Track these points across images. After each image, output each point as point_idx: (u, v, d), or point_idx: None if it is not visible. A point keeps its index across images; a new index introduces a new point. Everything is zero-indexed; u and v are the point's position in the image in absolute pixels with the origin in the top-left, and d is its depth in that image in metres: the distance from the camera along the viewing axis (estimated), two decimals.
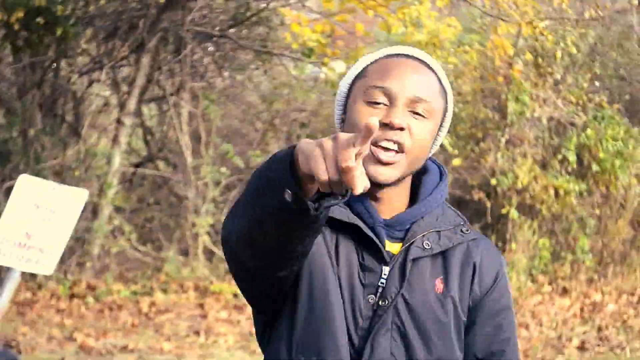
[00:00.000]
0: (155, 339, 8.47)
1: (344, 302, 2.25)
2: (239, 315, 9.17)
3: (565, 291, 10.24)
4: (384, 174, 2.24)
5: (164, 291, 9.72)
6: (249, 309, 9.59)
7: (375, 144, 2.21)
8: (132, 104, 10.46)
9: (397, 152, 2.23)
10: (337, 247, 2.28)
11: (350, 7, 10.13)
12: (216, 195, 10.60)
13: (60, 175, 10.03)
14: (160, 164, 11.99)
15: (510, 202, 10.56)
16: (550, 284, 10.38)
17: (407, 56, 2.32)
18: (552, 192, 10.57)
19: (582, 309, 9.76)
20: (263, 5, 11.18)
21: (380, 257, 2.28)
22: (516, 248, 10.45)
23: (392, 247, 2.31)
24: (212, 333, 8.67)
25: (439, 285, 2.31)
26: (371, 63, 2.33)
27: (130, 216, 10.82)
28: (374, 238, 2.26)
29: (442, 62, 9.59)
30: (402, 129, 2.22)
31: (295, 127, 11.77)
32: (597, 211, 10.94)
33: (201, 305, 9.45)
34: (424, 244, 2.31)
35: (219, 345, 8.40)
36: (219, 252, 10.62)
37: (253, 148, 11.30)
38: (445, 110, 2.36)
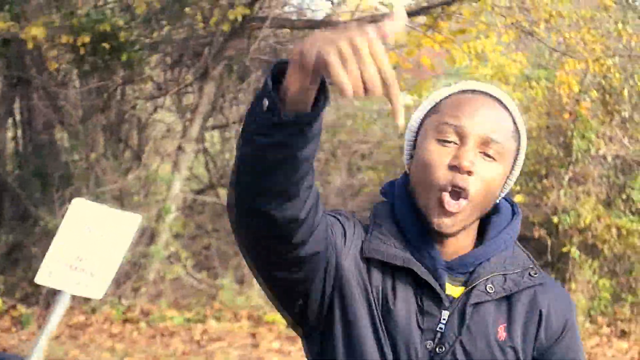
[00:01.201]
0: None
1: (398, 349, 2.14)
2: (291, 346, 9.11)
3: (624, 333, 10.04)
4: (448, 224, 2.13)
5: (217, 319, 9.70)
6: (300, 340, 9.54)
7: (442, 189, 2.12)
8: (194, 131, 10.49)
9: (464, 198, 2.11)
10: (394, 289, 2.16)
11: (417, 41, 10.09)
12: None
13: (120, 200, 10.09)
14: (221, 192, 12.01)
15: (572, 241, 10.40)
16: (609, 325, 10.18)
17: (482, 93, 2.20)
18: (614, 231, 10.38)
19: None
20: None
21: (440, 301, 2.16)
22: (576, 288, 10.27)
23: (454, 291, 2.19)
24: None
25: (502, 332, 2.18)
26: (444, 98, 2.22)
27: (187, 243, 10.83)
28: (432, 282, 2.15)
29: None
30: (470, 172, 2.10)
31: (357, 158, 11.73)
32: None
33: (253, 335, 9.41)
34: (487, 288, 2.18)
35: None
36: None
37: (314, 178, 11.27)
38: (518, 152, 2.23)
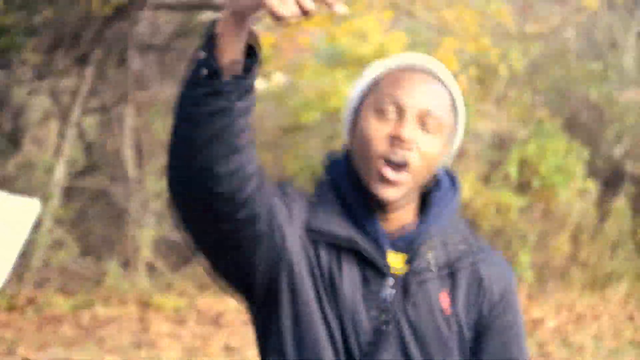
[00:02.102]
0: (97, 351, 8.36)
1: (344, 321, 2.19)
2: (182, 330, 9.09)
3: None
4: (388, 192, 2.18)
5: (105, 304, 9.60)
6: (190, 324, 9.57)
7: (382, 159, 2.18)
8: (74, 116, 10.34)
9: (404, 169, 2.18)
10: (340, 265, 2.21)
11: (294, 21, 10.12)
12: (158, 208, 10.51)
13: (1, 187, 9.87)
14: (101, 176, 11.87)
15: None
16: None
17: (419, 67, 2.25)
18: (493, 207, 10.62)
19: None
20: (210, 16, 11.13)
21: (383, 275, 2.22)
22: None
23: (397, 261, 2.24)
24: (155, 347, 8.59)
25: (445, 303, 2.25)
26: (382, 74, 2.27)
27: (70, 228, 10.68)
28: (376, 260, 2.20)
29: None
30: (410, 143, 2.17)
31: None
32: (538, 226, 11.01)
33: (142, 319, 9.35)
34: (429, 262, 2.24)
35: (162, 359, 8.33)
36: (161, 265, 10.56)
37: None
38: (457, 124, 2.30)
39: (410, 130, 2.18)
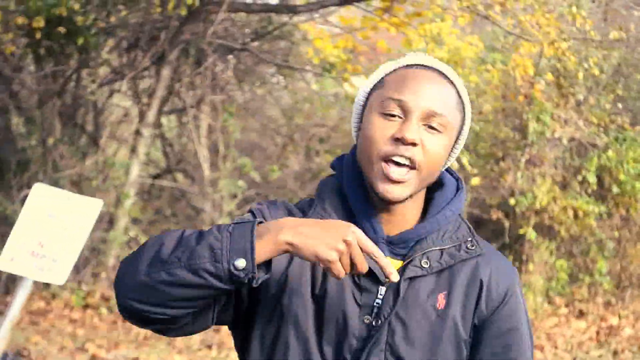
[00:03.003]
0: (167, 351, 8.43)
1: (335, 324, 2.21)
2: None
3: (581, 314, 10.16)
4: (393, 192, 2.19)
5: None
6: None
7: (386, 159, 2.18)
8: (151, 116, 10.44)
9: (408, 168, 2.18)
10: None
11: (373, 24, 10.12)
12: (233, 208, 10.57)
13: (78, 185, 10.03)
14: (179, 176, 11.99)
15: (529, 223, 10.48)
16: (567, 306, 10.29)
17: (426, 67, 2.25)
18: (571, 213, 10.48)
19: (598, 332, 9.66)
20: (285, 19, 11.18)
21: (376, 276, 2.23)
22: (533, 269, 10.37)
23: (394, 265, 2.24)
24: (224, 346, 8.62)
25: (441, 302, 2.25)
26: (389, 73, 2.27)
27: (146, 228, 10.80)
28: (368, 260, 2.18)
29: (464, 81, 9.54)
30: (414, 144, 2.16)
31: (314, 142, 11.74)
32: (617, 234, 10.85)
33: None
34: (422, 263, 2.25)
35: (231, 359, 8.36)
36: None
37: (271, 162, 11.28)
38: (463, 124, 2.30)
39: (414, 130, 2.17)
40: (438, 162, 2.24)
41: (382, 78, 2.28)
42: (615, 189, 10.60)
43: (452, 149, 2.30)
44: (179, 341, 8.73)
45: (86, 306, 9.42)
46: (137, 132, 10.46)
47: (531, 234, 10.42)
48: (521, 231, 10.49)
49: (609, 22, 11.38)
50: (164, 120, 11.79)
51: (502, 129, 10.95)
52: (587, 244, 10.80)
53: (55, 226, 5.94)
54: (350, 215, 2.27)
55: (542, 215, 10.51)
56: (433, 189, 2.34)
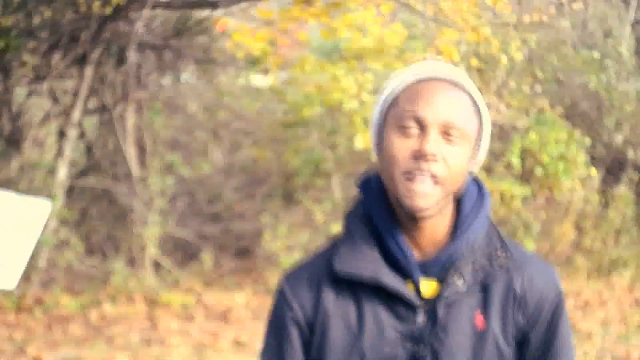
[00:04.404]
0: (107, 350, 8.34)
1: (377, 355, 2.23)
2: (190, 326, 9.08)
3: None
4: (421, 206, 2.18)
5: (113, 303, 9.60)
6: (199, 320, 9.55)
7: (408, 176, 2.18)
8: (75, 116, 10.33)
9: (432, 182, 2.17)
10: (362, 303, 2.27)
11: (291, 16, 10.11)
12: (162, 205, 10.51)
13: (4, 189, 9.84)
14: (104, 175, 11.86)
15: None
16: None
17: (438, 79, 2.25)
18: (497, 196, 10.63)
19: None
20: (205, 14, 11.13)
21: (412, 304, 2.24)
22: None
23: (429, 286, 2.26)
24: (164, 343, 8.57)
25: (479, 320, 2.24)
26: (401, 87, 2.27)
27: (75, 228, 10.66)
28: (403, 294, 2.23)
29: (388, 69, 9.62)
30: (435, 159, 2.16)
31: (239, 135, 11.74)
32: (542, 215, 11.03)
33: (150, 317, 9.35)
34: (457, 282, 2.23)
35: (172, 356, 8.31)
36: (167, 262, 10.56)
37: (196, 158, 11.24)
38: (481, 128, 2.29)
39: (433, 144, 2.17)
40: (460, 173, 2.23)
41: (393, 94, 2.28)
42: (538, 171, 10.76)
43: (473, 156, 2.29)
44: (119, 339, 8.66)
45: (20, 309, 9.27)
46: (61, 133, 10.33)
47: None
48: None
49: (522, 7, 11.56)
50: (87, 119, 11.64)
51: None
52: (513, 226, 10.94)
53: (2, 229, 5.82)
54: (378, 244, 2.27)
55: None
56: (460, 195, 2.33)
